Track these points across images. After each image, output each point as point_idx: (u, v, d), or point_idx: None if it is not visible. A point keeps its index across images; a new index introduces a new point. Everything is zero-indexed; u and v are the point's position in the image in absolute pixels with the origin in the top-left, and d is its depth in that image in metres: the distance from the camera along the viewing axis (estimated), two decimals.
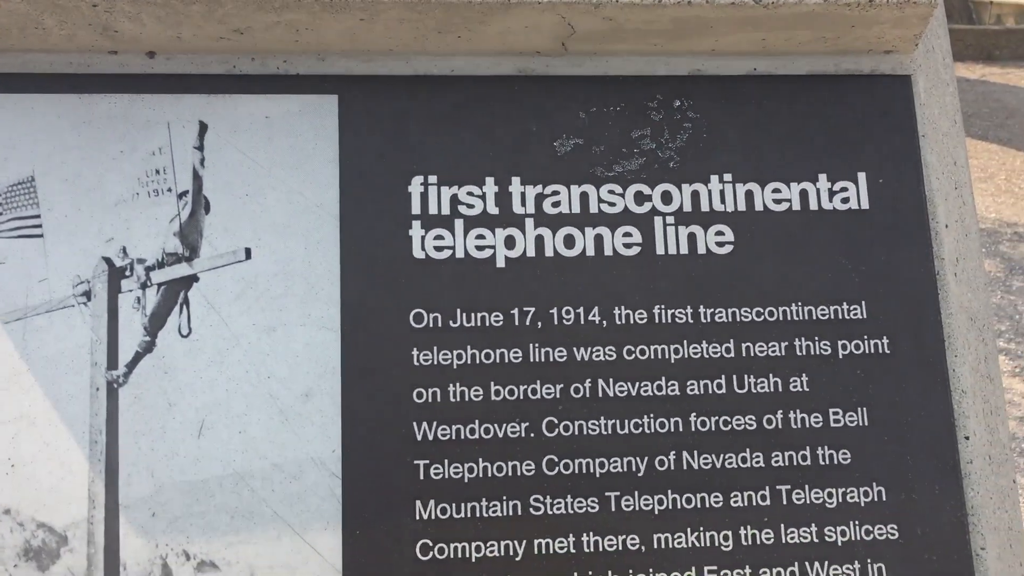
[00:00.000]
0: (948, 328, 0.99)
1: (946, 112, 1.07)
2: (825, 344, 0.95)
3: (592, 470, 0.91)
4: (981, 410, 0.99)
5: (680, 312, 0.95)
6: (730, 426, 0.93)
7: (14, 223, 0.90)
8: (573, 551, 0.89)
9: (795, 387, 0.94)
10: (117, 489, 0.87)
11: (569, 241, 0.96)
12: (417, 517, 0.89)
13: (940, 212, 1.02)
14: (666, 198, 0.97)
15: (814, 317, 0.96)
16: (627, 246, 0.96)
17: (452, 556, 0.88)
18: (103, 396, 0.88)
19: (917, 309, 0.97)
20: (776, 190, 0.98)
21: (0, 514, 0.85)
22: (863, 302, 0.96)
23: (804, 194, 0.98)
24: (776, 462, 0.93)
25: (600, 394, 0.93)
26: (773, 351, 0.95)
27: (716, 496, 0.91)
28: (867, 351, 0.96)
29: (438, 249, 0.94)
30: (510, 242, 0.95)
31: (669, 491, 0.91)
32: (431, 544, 0.88)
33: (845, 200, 0.99)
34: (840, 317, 0.96)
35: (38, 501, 0.86)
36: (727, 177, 0.98)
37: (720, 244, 0.97)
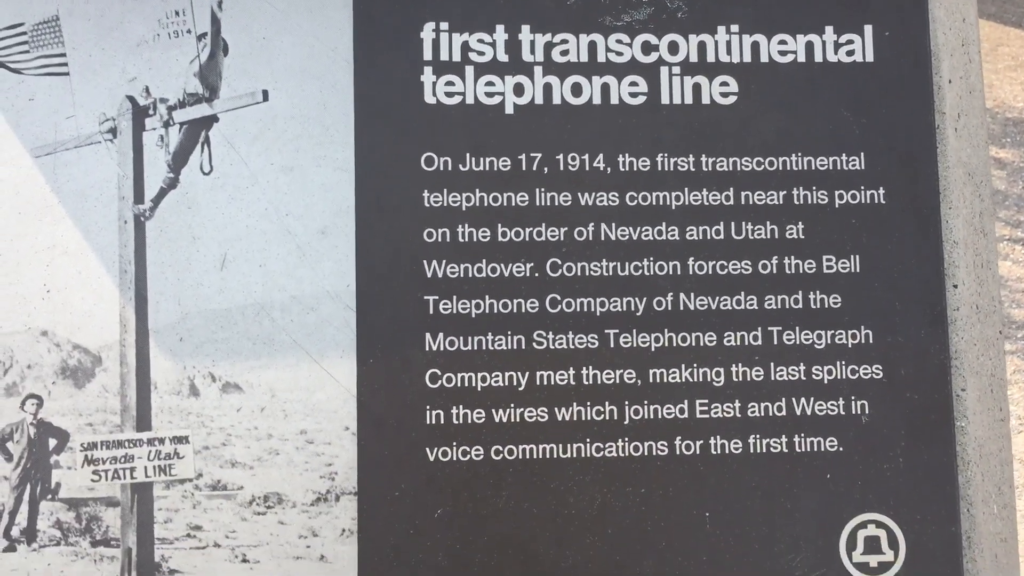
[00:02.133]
0: (944, 181, 1.01)
1: None
2: (822, 194, 0.98)
3: (593, 308, 0.96)
4: (972, 262, 1.03)
5: (682, 160, 0.98)
6: (726, 270, 0.97)
7: (41, 60, 0.94)
8: (573, 383, 0.95)
9: (791, 234, 0.98)
10: (147, 315, 0.92)
11: (576, 89, 0.98)
12: (427, 348, 0.94)
13: (944, 67, 1.03)
14: (673, 48, 0.99)
15: (813, 167, 0.99)
16: (633, 95, 0.99)
17: (459, 385, 0.94)
18: (131, 229, 0.93)
19: (914, 161, 1.00)
20: (782, 42, 1.00)
21: (38, 335, 0.91)
22: (862, 153, 0.99)
23: (810, 46, 1.00)
24: (769, 305, 0.97)
25: (603, 237, 0.97)
26: (771, 199, 0.98)
27: (710, 335, 0.96)
28: (863, 201, 0.99)
29: (449, 95, 0.97)
30: (519, 89, 0.98)
31: (665, 330, 0.96)
32: (439, 373, 0.94)
33: (850, 53, 1.00)
34: (839, 168, 0.99)
35: (73, 324, 0.92)
36: (734, 28, 0.99)
37: (724, 95, 0.99)
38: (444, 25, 0.97)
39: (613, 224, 0.97)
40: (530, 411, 0.94)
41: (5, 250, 0.92)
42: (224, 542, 0.91)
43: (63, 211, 0.93)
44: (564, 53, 0.98)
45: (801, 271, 0.98)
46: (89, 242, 0.93)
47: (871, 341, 0.97)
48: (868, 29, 1.00)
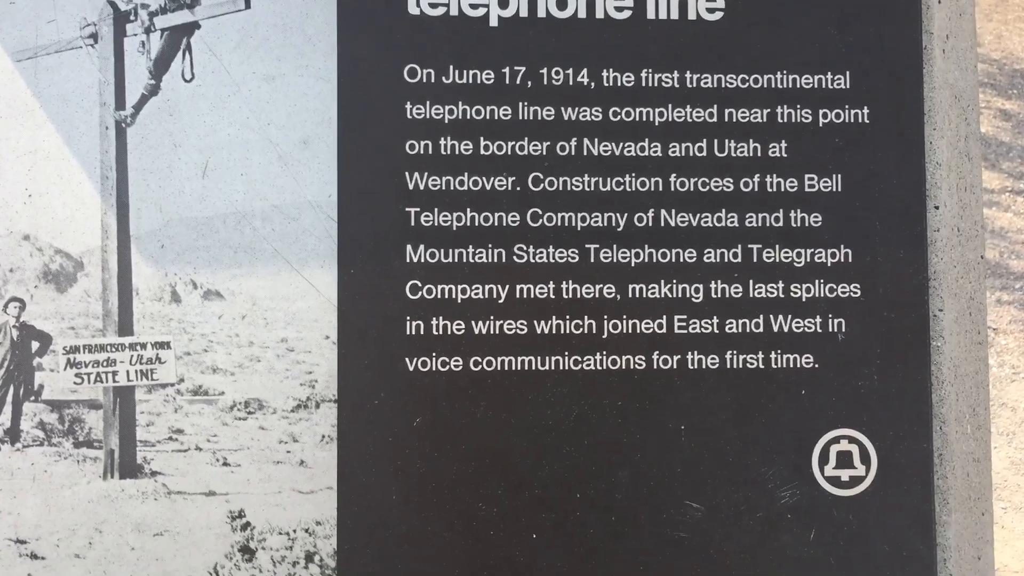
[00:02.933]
0: (929, 102, 1.01)
1: None
2: (806, 112, 0.98)
3: (574, 223, 0.96)
4: (955, 184, 1.03)
5: (667, 76, 0.98)
6: (708, 187, 0.97)
7: None
8: (552, 297, 0.96)
9: (774, 152, 0.98)
10: (128, 222, 0.93)
11: (561, 3, 0.98)
12: (408, 260, 0.95)
13: None
14: None
15: (798, 85, 0.98)
16: (619, 9, 0.98)
17: (439, 296, 0.95)
18: (112, 135, 0.93)
19: (900, 81, 0.99)
20: None
21: (20, 239, 0.92)
22: (847, 72, 0.99)
23: None
24: (750, 222, 0.97)
25: (585, 152, 0.97)
26: (755, 117, 0.98)
27: (690, 252, 0.97)
28: (847, 120, 0.98)
29: (432, 6, 0.97)
30: (503, 2, 0.97)
31: (646, 245, 0.97)
32: (420, 285, 0.95)
33: None
34: (823, 86, 0.98)
35: (54, 229, 0.92)
36: None
37: (711, 11, 0.98)
38: None
39: (596, 139, 0.97)
40: (509, 324, 0.95)
41: None
42: (205, 446, 0.92)
43: (44, 116, 0.93)
44: None
45: (783, 189, 0.98)
46: (70, 147, 0.93)
47: (850, 260, 0.98)
48: None
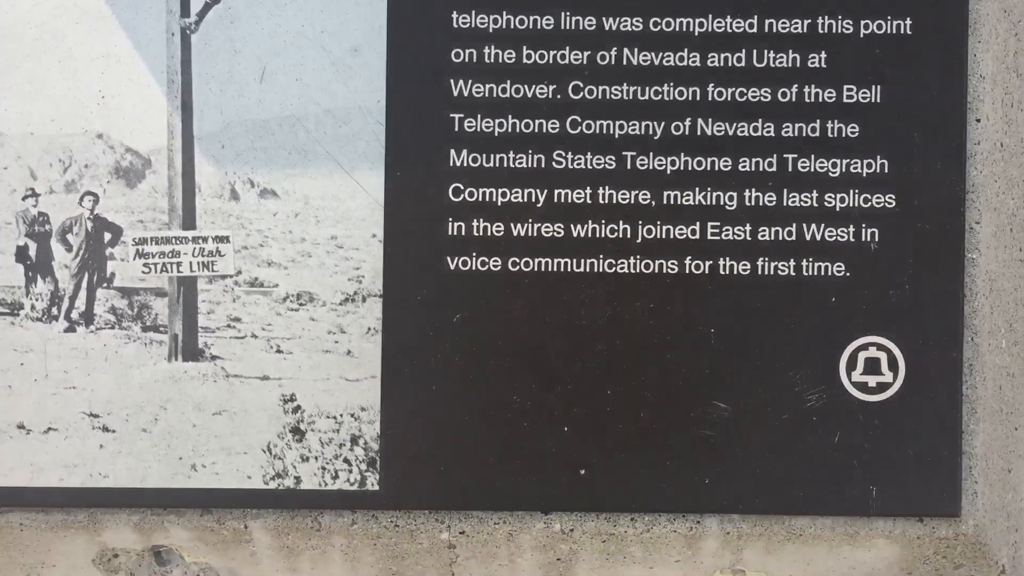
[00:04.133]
0: (975, 14, 1.00)
1: None
2: (848, 23, 0.99)
3: (612, 131, 0.99)
4: (1001, 100, 1.02)
5: None
6: (745, 97, 0.99)
7: None
8: (589, 202, 0.99)
9: (813, 63, 0.99)
10: (192, 123, 0.99)
11: None
12: (451, 164, 0.99)
13: None
14: None
15: None
16: None
17: (480, 200, 0.99)
18: (177, 41, 0.99)
19: None
20: None
21: (94, 137, 0.99)
22: None
23: None
24: (786, 132, 0.99)
25: (624, 62, 0.99)
26: (795, 28, 0.99)
27: (725, 160, 0.99)
28: (888, 31, 0.99)
29: None
30: None
31: (682, 153, 0.99)
32: (462, 188, 0.99)
33: None
34: None
35: (125, 128, 0.99)
36: None
37: None
38: None
39: (636, 49, 0.99)
40: (547, 227, 0.99)
41: (64, 57, 0.99)
42: (260, 334, 0.99)
43: (116, 22, 0.99)
44: None
45: (821, 100, 0.99)
46: (140, 52, 0.99)
47: (886, 171, 0.99)
48: None
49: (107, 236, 0.99)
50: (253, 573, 1.03)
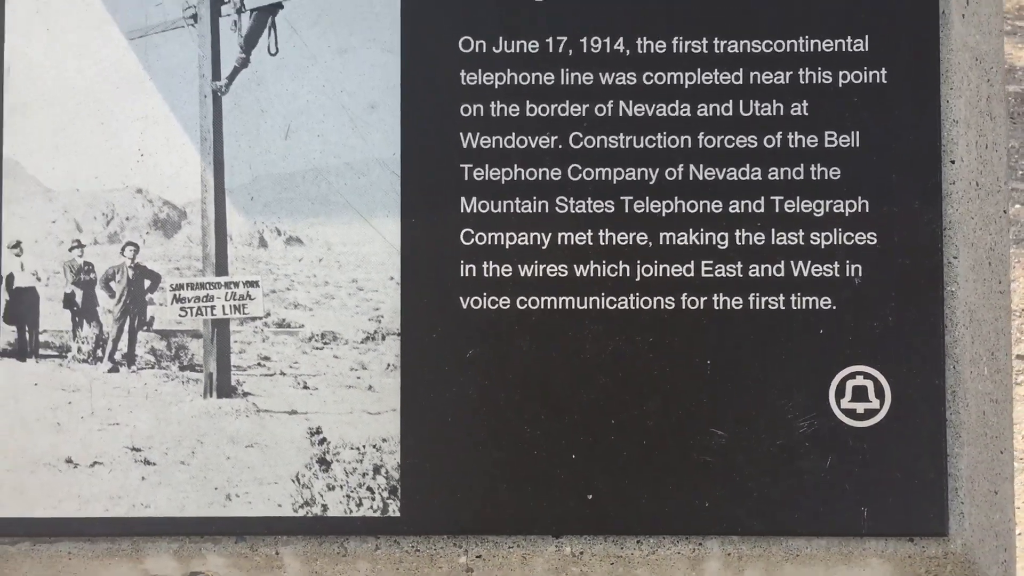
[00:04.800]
0: (946, 63, 1.08)
1: None
2: (827, 74, 1.07)
3: (610, 177, 1.07)
4: (975, 142, 1.10)
5: (696, 43, 1.07)
6: (733, 144, 1.07)
7: None
8: (590, 244, 1.07)
9: (795, 111, 1.07)
10: (223, 177, 1.08)
11: None
12: (462, 211, 1.07)
13: None
14: None
15: (819, 49, 1.07)
16: None
17: (489, 243, 1.07)
18: (209, 102, 1.08)
19: (917, 44, 1.06)
20: None
21: (134, 192, 1.08)
22: (866, 36, 1.06)
23: None
24: (772, 176, 1.06)
25: (620, 113, 1.07)
26: (778, 79, 1.07)
27: (716, 203, 1.06)
28: (865, 80, 1.06)
29: None
30: None
31: (675, 197, 1.07)
32: (472, 232, 1.07)
33: None
34: (843, 49, 1.07)
35: (162, 184, 1.08)
36: None
37: None
38: None
39: (630, 101, 1.07)
40: (552, 267, 1.07)
41: (106, 119, 1.08)
42: (288, 371, 1.07)
43: (153, 87, 1.08)
44: None
45: (803, 145, 1.06)
46: (175, 113, 1.08)
47: (867, 210, 1.06)
48: None
49: (147, 283, 1.08)
50: None
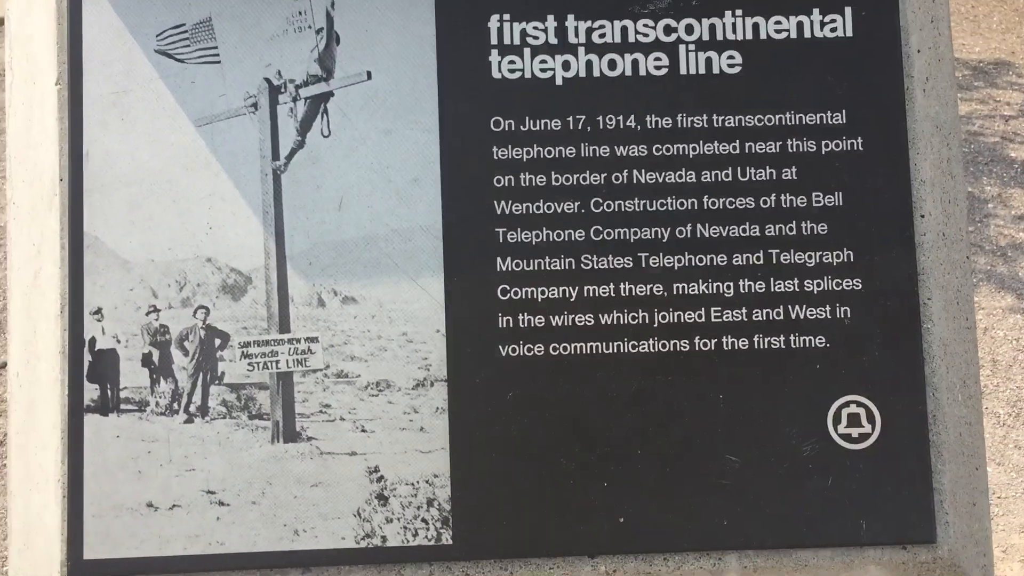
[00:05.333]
0: (912, 132, 1.25)
1: None
2: (811, 143, 1.23)
3: (628, 237, 1.22)
4: (940, 198, 1.26)
5: (698, 119, 1.23)
6: (734, 205, 1.22)
7: (199, 52, 1.23)
8: (612, 295, 1.21)
9: (786, 176, 1.23)
10: (284, 246, 1.21)
11: (612, 64, 1.24)
12: (498, 269, 1.21)
13: (913, 40, 1.27)
14: (689, 30, 1.24)
15: (804, 122, 1.23)
16: (657, 68, 1.24)
17: (523, 297, 1.21)
18: (270, 180, 1.22)
19: (887, 116, 1.24)
20: (777, 21, 1.24)
21: (204, 261, 1.21)
22: (844, 110, 1.23)
23: (800, 25, 1.24)
24: (769, 232, 1.22)
25: (635, 180, 1.23)
26: (770, 149, 1.23)
27: (722, 256, 1.22)
28: (845, 148, 1.23)
29: (511, 71, 1.24)
30: (566, 65, 1.24)
31: (686, 252, 1.22)
32: (508, 288, 1.21)
33: (833, 29, 1.24)
34: (824, 123, 1.23)
35: (229, 253, 1.21)
36: (738, 12, 1.24)
37: (731, 66, 1.24)
38: (507, 16, 1.24)
39: (643, 170, 1.23)
40: (579, 317, 1.21)
41: (178, 197, 1.21)
42: (347, 416, 1.19)
43: (219, 167, 1.22)
44: (602, 36, 1.24)
45: (795, 205, 1.22)
46: (239, 190, 1.21)
47: (852, 260, 1.22)
48: (848, 10, 1.24)
49: (217, 341, 1.20)
50: None
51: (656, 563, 1.20)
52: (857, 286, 1.21)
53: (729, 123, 1.23)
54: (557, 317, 1.21)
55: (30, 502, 1.22)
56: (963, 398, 1.26)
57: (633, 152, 1.23)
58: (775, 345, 1.21)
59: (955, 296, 1.26)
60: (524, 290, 1.21)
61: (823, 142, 1.23)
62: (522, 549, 1.18)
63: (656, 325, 1.21)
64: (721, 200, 1.22)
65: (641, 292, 1.21)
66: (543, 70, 1.24)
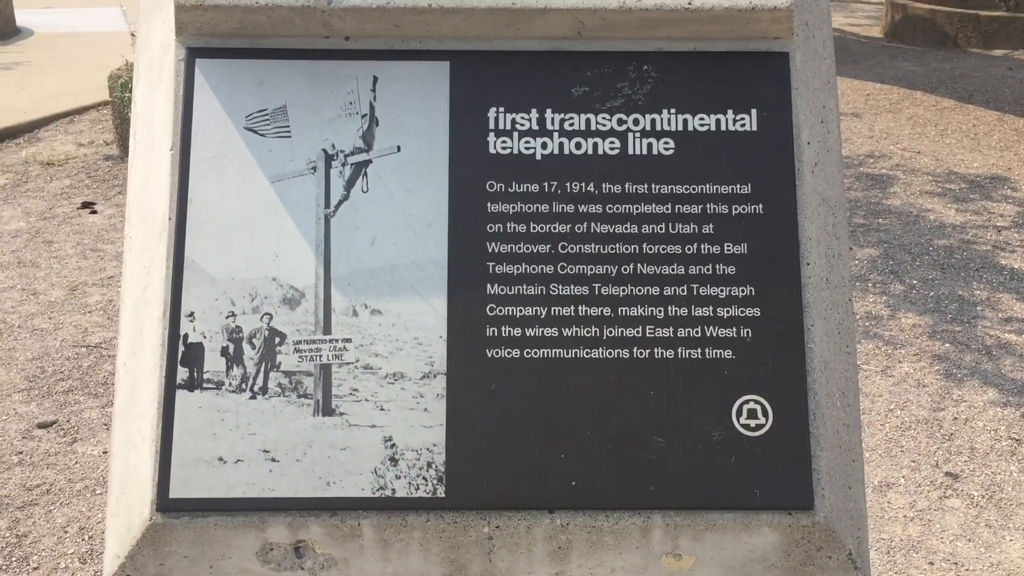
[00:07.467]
0: (801, 202, 1.67)
1: (819, 74, 1.75)
2: (724, 207, 1.65)
3: (585, 271, 1.63)
4: (824, 252, 1.68)
5: (642, 187, 1.66)
6: (667, 250, 1.64)
7: (276, 129, 1.68)
8: (573, 315, 1.62)
9: (706, 230, 1.65)
10: (330, 271, 1.63)
11: (578, 145, 1.68)
12: (487, 293, 1.63)
13: (804, 134, 1.70)
14: (636, 122, 1.69)
15: (720, 191, 1.66)
16: (612, 149, 1.68)
17: (506, 314, 1.62)
18: (322, 223, 1.65)
19: (782, 189, 1.66)
20: (702, 118, 1.68)
21: (271, 279, 1.63)
22: (749, 184, 1.66)
23: (718, 121, 1.68)
24: (692, 271, 1.63)
25: (592, 230, 1.65)
26: (695, 210, 1.65)
27: (655, 288, 1.63)
28: (750, 211, 1.65)
29: (503, 148, 1.68)
30: (544, 145, 1.68)
31: (628, 284, 1.63)
32: (495, 307, 1.62)
33: (743, 125, 1.68)
34: (735, 192, 1.66)
35: (290, 275, 1.63)
36: (672, 110, 1.69)
37: (667, 148, 1.68)
38: (501, 108, 1.69)
39: (599, 222, 1.65)
40: (547, 330, 1.61)
41: (254, 232, 1.64)
42: (370, 398, 1.59)
43: (285, 212, 1.65)
44: (571, 124, 1.68)
45: (711, 252, 1.64)
46: (299, 229, 1.65)
47: (754, 295, 1.62)
48: (754, 111, 1.68)
49: (277, 339, 1.61)
50: (360, 561, 1.58)
51: (599, 519, 1.57)
52: (757, 313, 1.62)
53: (664, 190, 1.66)
54: (531, 329, 1.61)
55: (128, 459, 1.62)
56: (842, 405, 1.64)
57: (591, 209, 1.65)
58: (694, 356, 1.61)
59: (836, 327, 1.66)
60: (507, 308, 1.62)
61: (733, 206, 1.65)
62: (499, 503, 1.56)
63: (605, 338, 1.61)
64: (656, 246, 1.64)
65: (594, 313, 1.62)
66: (527, 148, 1.68)
